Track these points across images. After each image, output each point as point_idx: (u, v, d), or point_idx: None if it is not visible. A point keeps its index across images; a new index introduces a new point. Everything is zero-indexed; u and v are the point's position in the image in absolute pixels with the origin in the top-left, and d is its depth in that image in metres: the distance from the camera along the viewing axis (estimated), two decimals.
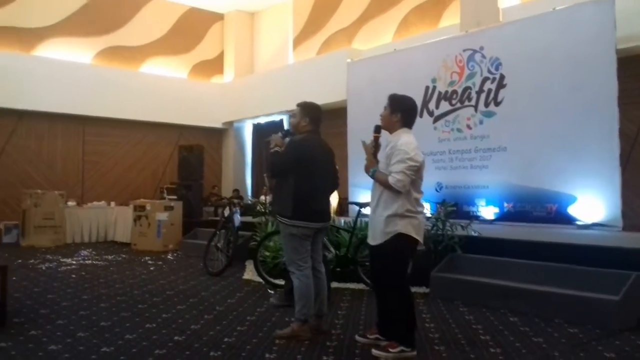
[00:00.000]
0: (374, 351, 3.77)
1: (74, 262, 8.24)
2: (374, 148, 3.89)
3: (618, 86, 6.90)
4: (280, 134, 4.44)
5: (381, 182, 3.73)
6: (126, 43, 13.54)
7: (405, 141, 3.73)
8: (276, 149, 4.34)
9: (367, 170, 3.86)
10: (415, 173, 3.69)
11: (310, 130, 4.33)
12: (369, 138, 3.94)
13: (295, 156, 4.18)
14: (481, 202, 8.35)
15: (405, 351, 3.69)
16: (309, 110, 4.37)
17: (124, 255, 9.10)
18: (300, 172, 4.15)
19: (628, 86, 7.16)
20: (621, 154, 6.98)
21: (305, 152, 4.20)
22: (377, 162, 3.84)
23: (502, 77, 8.17)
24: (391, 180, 3.64)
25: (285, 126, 12.29)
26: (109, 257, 8.86)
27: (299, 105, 4.41)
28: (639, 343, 4.06)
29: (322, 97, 9.65)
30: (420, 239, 3.76)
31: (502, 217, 8.08)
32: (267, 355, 3.73)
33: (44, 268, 7.67)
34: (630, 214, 7.21)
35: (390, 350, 3.70)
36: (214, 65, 15.11)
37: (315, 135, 4.36)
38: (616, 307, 4.46)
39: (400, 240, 3.67)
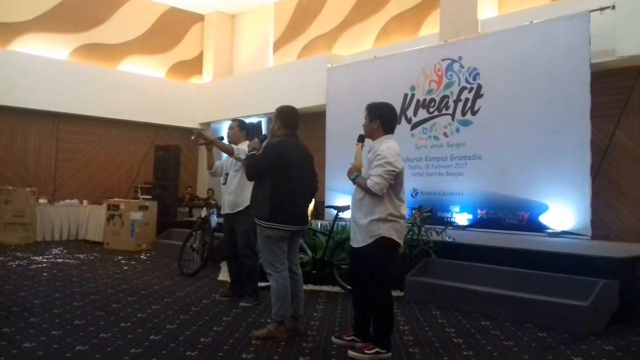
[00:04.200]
0: (350, 352, 3.83)
1: (45, 261, 8.10)
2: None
3: (591, 99, 7.10)
4: (257, 139, 4.51)
5: (361, 186, 3.81)
6: (104, 41, 13.38)
7: (386, 147, 3.82)
8: (253, 152, 4.39)
9: (349, 174, 3.93)
10: (394, 178, 3.76)
11: (286, 134, 4.37)
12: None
13: (270, 159, 4.22)
14: (455, 209, 8.48)
15: (381, 353, 3.75)
16: (282, 114, 4.42)
17: (96, 254, 8.98)
18: (277, 175, 4.18)
19: (600, 100, 7.36)
20: (592, 165, 7.17)
21: (281, 154, 4.23)
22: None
23: (479, 87, 8.32)
24: (369, 183, 3.72)
25: (264, 128, 12.29)
26: (81, 256, 8.73)
27: (276, 110, 4.47)
28: (605, 348, 4.18)
29: (301, 101, 9.70)
30: (401, 242, 3.85)
31: (476, 224, 8.21)
32: (244, 356, 3.75)
33: (14, 266, 7.53)
34: (599, 223, 7.40)
35: (366, 351, 3.75)
36: (193, 66, 15.02)
37: (293, 139, 4.39)
38: (585, 312, 4.59)
39: (383, 244, 3.75)
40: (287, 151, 4.27)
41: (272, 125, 4.44)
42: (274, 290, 4.18)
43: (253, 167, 4.32)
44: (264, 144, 4.49)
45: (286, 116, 4.40)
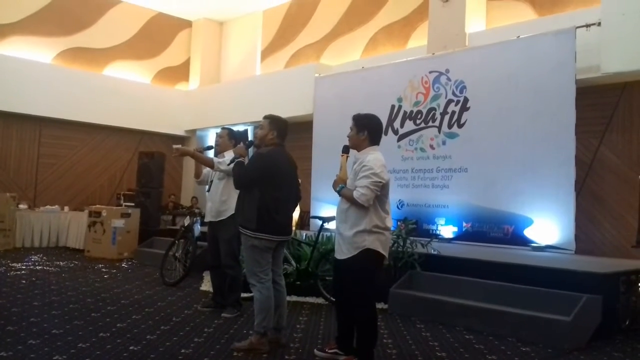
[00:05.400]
0: None
1: (24, 268, 7.95)
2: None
3: (576, 115, 7.16)
4: (243, 144, 4.45)
5: (347, 197, 3.78)
6: (90, 45, 13.25)
7: (372, 158, 3.80)
8: (240, 159, 4.33)
9: (335, 186, 3.89)
10: (381, 190, 3.74)
11: (277, 144, 4.34)
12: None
13: (262, 168, 4.18)
14: (441, 221, 8.48)
15: None
16: (277, 123, 4.37)
17: (76, 262, 8.83)
18: (266, 185, 4.14)
19: (585, 115, 7.42)
20: (576, 180, 7.22)
21: (272, 165, 4.21)
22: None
23: (466, 100, 8.36)
24: (355, 194, 3.69)
25: (250, 137, 12.23)
26: (61, 263, 8.58)
27: (266, 117, 4.41)
28: None
29: (289, 110, 9.69)
30: (386, 254, 3.82)
31: (461, 237, 8.22)
32: None
33: None
34: (582, 238, 7.44)
35: None
36: (179, 72, 14.94)
37: (282, 149, 4.37)
38: (567, 327, 4.60)
39: (368, 256, 3.71)
40: (277, 161, 4.25)
41: (264, 133, 4.33)
42: (257, 301, 4.13)
43: (242, 176, 4.25)
44: (249, 150, 4.45)
45: (281, 126, 4.37)
